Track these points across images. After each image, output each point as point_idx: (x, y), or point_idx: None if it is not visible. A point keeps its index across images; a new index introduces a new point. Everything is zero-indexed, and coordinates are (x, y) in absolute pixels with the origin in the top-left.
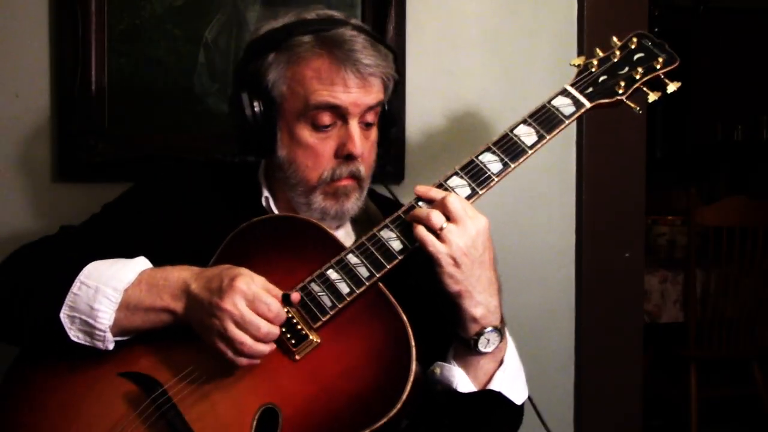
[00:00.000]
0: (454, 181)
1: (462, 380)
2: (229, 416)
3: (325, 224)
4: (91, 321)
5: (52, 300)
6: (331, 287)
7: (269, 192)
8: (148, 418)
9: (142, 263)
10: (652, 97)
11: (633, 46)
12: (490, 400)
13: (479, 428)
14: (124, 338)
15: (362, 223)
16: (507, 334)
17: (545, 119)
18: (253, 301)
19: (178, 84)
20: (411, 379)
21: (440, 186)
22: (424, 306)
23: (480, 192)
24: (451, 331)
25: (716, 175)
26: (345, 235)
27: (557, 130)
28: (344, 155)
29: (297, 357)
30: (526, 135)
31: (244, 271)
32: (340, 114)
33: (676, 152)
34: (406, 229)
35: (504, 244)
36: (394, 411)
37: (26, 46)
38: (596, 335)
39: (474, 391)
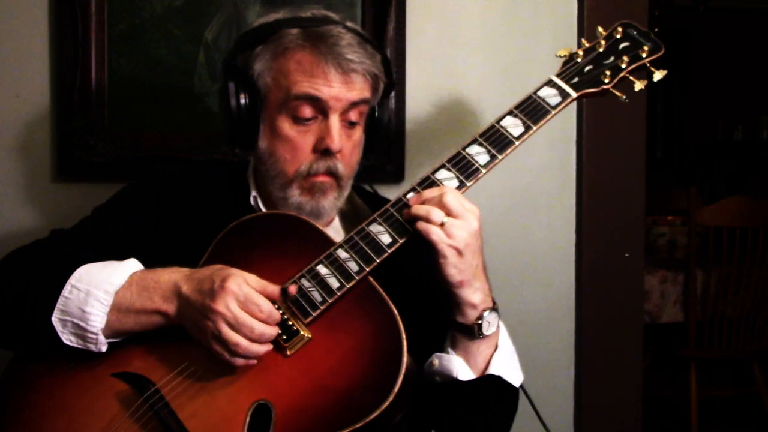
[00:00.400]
0: (442, 173)
1: (462, 369)
2: (223, 413)
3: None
4: (82, 324)
5: (43, 304)
6: (321, 282)
7: (257, 191)
8: (141, 418)
9: (133, 265)
10: (638, 85)
11: (618, 36)
12: (490, 385)
13: (482, 415)
14: (117, 340)
15: (351, 220)
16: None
17: (531, 110)
18: (245, 302)
19: (178, 84)
20: (402, 371)
21: (427, 179)
22: (414, 298)
23: (468, 184)
24: (448, 319)
25: (716, 175)
26: (334, 232)
27: (544, 121)
28: (322, 150)
29: (289, 353)
30: (513, 126)
31: (236, 272)
32: (321, 108)
33: (676, 152)
34: (395, 223)
35: (504, 244)
36: (386, 403)
37: (26, 46)
38: (596, 335)
39: (474, 378)
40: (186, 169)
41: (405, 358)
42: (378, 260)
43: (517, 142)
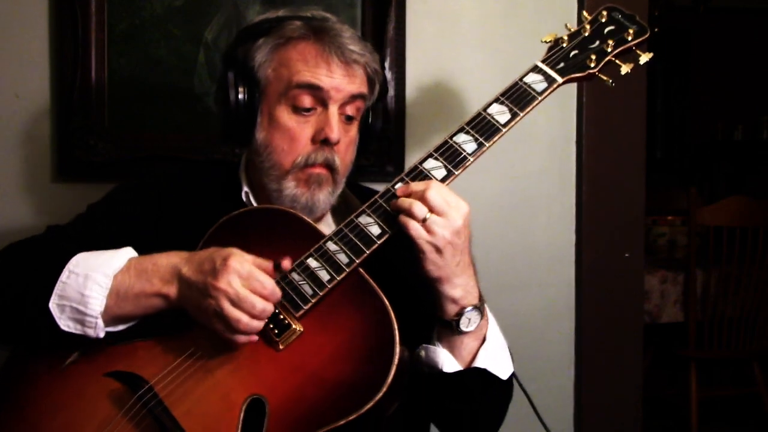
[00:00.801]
0: (430, 163)
1: (447, 360)
2: (217, 409)
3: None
4: (81, 308)
5: (40, 290)
6: (311, 275)
7: (249, 187)
8: (136, 416)
9: (129, 252)
10: (625, 69)
11: (603, 20)
12: (475, 377)
13: (468, 405)
14: (116, 329)
15: (343, 215)
16: (488, 311)
17: (517, 97)
18: (247, 279)
19: (178, 84)
20: (395, 362)
21: (415, 168)
22: (406, 289)
23: (456, 172)
24: (432, 313)
25: (716, 175)
26: (326, 227)
27: (530, 107)
28: (321, 140)
29: (281, 347)
30: (500, 113)
31: (236, 251)
32: (321, 99)
33: (676, 152)
34: (384, 214)
35: (504, 244)
36: (380, 395)
37: (26, 46)
38: (596, 335)
39: (459, 370)
40: (186, 169)
41: (397, 350)
42: (368, 252)
43: (504, 129)
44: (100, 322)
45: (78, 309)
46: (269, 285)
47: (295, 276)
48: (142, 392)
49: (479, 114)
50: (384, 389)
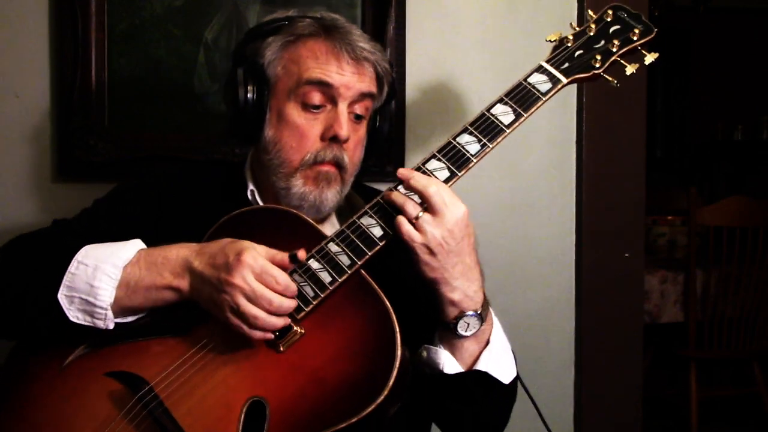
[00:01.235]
0: (433, 163)
1: (448, 362)
2: (218, 411)
3: (306, 215)
4: (91, 299)
5: (49, 281)
6: (312, 277)
7: (254, 185)
8: (136, 417)
9: (138, 243)
10: (630, 69)
11: (609, 19)
12: (476, 380)
13: (469, 407)
14: (126, 320)
15: (347, 215)
16: (492, 314)
17: (522, 97)
18: (261, 275)
19: (178, 84)
20: (397, 365)
21: (419, 169)
22: (408, 291)
23: (459, 174)
24: (433, 315)
25: (716, 175)
26: (331, 228)
27: (534, 108)
28: (330, 137)
29: (282, 348)
30: (503, 114)
31: (248, 244)
32: (331, 96)
33: (676, 152)
34: (386, 215)
35: (504, 244)
36: (382, 398)
37: (26, 46)
38: (596, 335)
39: (460, 372)
40: (186, 169)
41: (399, 353)
42: (370, 253)
43: (507, 130)
44: (110, 313)
45: (87, 300)
46: (282, 280)
47: (296, 277)
48: (143, 393)
49: (483, 114)
50: (386, 392)
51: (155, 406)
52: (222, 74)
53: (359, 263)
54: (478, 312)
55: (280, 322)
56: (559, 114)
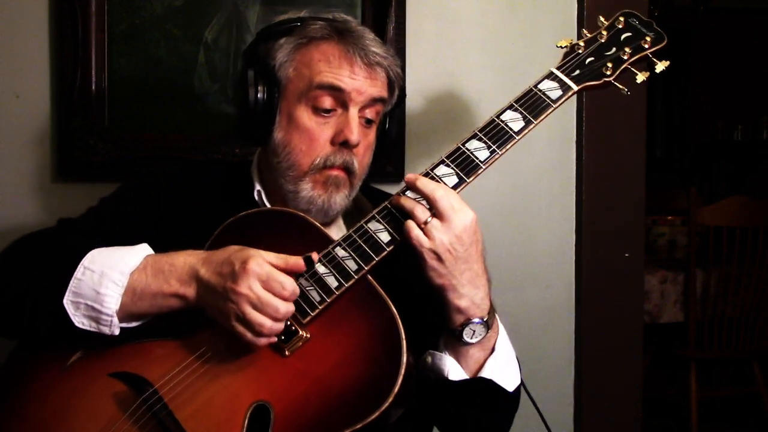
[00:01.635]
0: (441, 169)
1: (453, 368)
2: (221, 414)
3: (313, 218)
4: (97, 306)
5: (55, 287)
6: (319, 281)
7: (261, 186)
8: (140, 419)
9: (145, 249)
10: (641, 77)
11: (620, 26)
12: (481, 387)
13: (472, 415)
14: (131, 325)
15: (354, 219)
16: (498, 321)
17: (532, 104)
18: (267, 282)
19: (178, 84)
20: (402, 371)
21: (427, 175)
22: (414, 297)
23: (468, 180)
24: (439, 321)
25: (716, 175)
26: (337, 230)
27: (544, 115)
28: (340, 142)
29: (287, 353)
30: (513, 120)
31: (254, 252)
32: (342, 100)
33: (676, 152)
34: (394, 220)
35: (504, 244)
36: (387, 404)
37: (26, 46)
38: (596, 335)
39: (465, 379)
40: (186, 169)
41: (405, 359)
42: (377, 259)
43: (517, 137)
44: (116, 320)
45: (93, 307)
46: (289, 286)
47: (302, 282)
48: (147, 395)
49: (492, 120)
50: (391, 399)
51: (159, 408)
52: (222, 74)
53: (366, 268)
54: (485, 319)
55: (282, 327)
56: (559, 114)
